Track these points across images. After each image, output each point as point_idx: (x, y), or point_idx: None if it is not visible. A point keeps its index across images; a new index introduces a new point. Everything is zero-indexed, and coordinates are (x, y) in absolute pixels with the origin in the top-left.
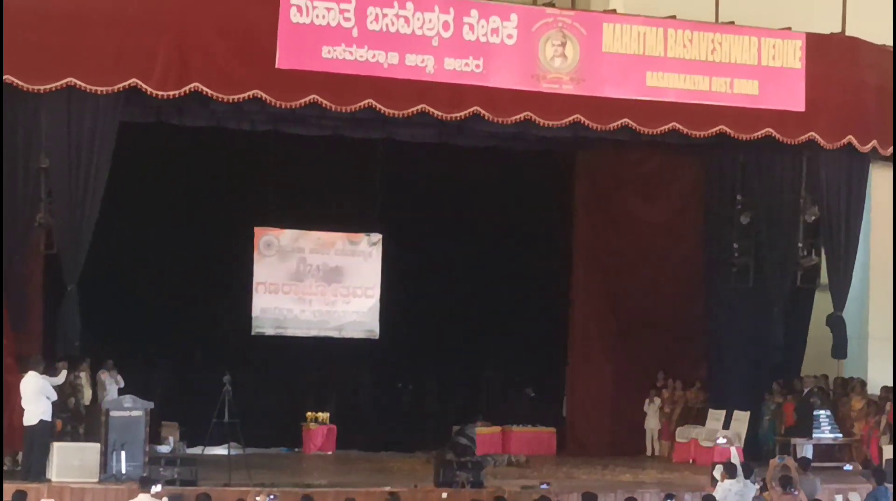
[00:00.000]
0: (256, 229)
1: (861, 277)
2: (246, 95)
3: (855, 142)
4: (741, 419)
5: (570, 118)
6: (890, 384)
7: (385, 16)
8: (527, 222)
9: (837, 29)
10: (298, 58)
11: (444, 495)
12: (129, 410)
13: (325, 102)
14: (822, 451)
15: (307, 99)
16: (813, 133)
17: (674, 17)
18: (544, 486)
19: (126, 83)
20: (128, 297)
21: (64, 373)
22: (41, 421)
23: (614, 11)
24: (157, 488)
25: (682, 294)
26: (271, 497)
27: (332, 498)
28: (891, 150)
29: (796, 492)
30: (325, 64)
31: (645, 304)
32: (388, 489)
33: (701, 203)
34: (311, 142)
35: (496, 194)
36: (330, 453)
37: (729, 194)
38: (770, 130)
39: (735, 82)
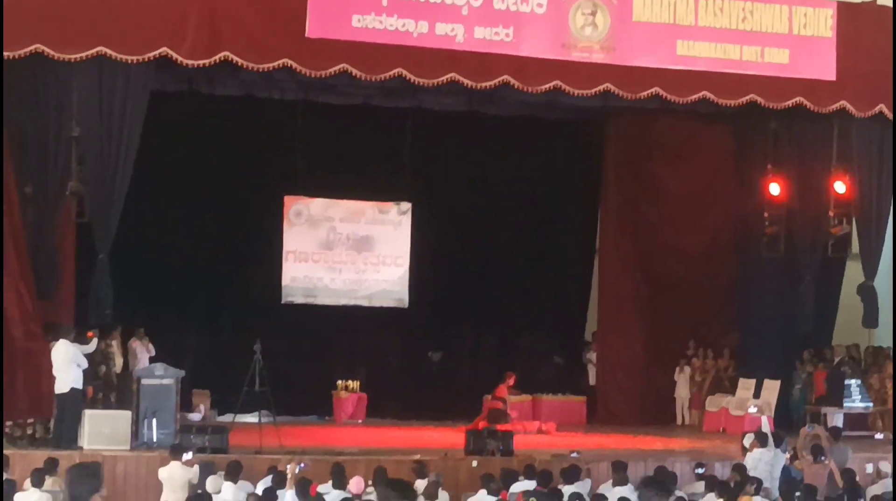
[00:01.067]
0: (286, 198)
1: (892, 246)
2: (276, 63)
3: (885, 110)
4: (772, 388)
5: (600, 87)
6: None
7: None
8: (556, 191)
9: None
10: (328, 26)
11: (475, 463)
12: (161, 378)
13: (354, 70)
14: (853, 420)
15: (337, 68)
16: (844, 102)
17: None
18: (574, 454)
19: (156, 52)
20: (159, 266)
21: (95, 341)
22: (72, 389)
23: None
24: (188, 455)
25: (712, 263)
26: (302, 464)
27: (362, 466)
28: None
29: (827, 461)
30: (354, 33)
31: (675, 272)
32: (417, 457)
33: (732, 172)
34: (341, 111)
35: (525, 163)
36: (360, 421)
37: (760, 162)
38: (801, 98)
39: (766, 51)
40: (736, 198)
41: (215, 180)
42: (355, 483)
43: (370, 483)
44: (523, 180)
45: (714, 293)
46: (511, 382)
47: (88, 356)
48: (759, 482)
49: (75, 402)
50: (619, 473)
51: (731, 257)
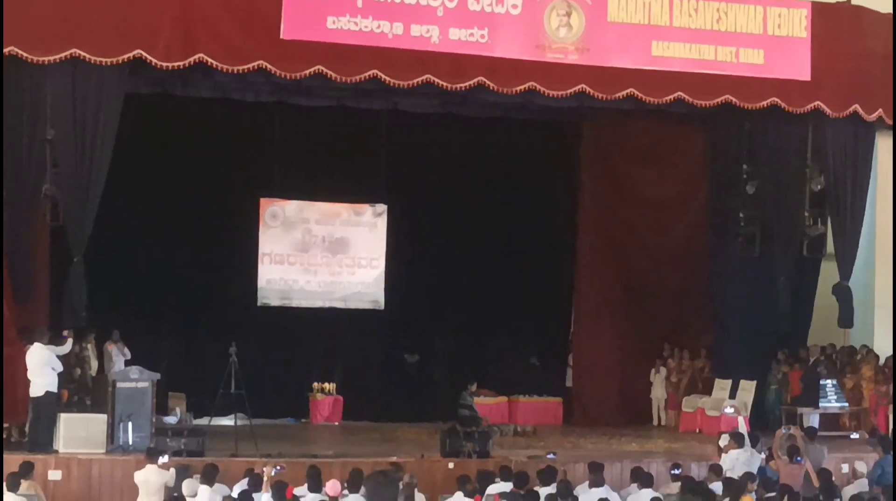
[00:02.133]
0: (262, 200)
1: (867, 246)
2: (251, 65)
3: (861, 111)
4: (747, 388)
5: (575, 88)
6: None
7: None
8: (532, 193)
9: None
10: (303, 28)
11: (451, 465)
12: (136, 381)
13: (329, 72)
14: (829, 420)
15: (312, 70)
16: (818, 102)
17: None
18: (551, 456)
19: (130, 54)
20: (134, 269)
21: (69, 342)
22: (47, 392)
23: None
24: (164, 458)
25: (688, 264)
26: (278, 467)
27: (338, 468)
28: None
29: (803, 461)
30: (329, 34)
31: (651, 273)
32: (393, 459)
33: (707, 172)
34: (316, 113)
35: (501, 165)
36: (336, 423)
37: (735, 163)
38: (776, 99)
39: (740, 51)
40: (711, 199)
41: (190, 183)
42: (331, 486)
43: (346, 485)
44: (499, 182)
45: (690, 294)
46: (473, 388)
47: (63, 360)
48: (735, 482)
49: (50, 405)
50: (596, 474)
51: (707, 258)
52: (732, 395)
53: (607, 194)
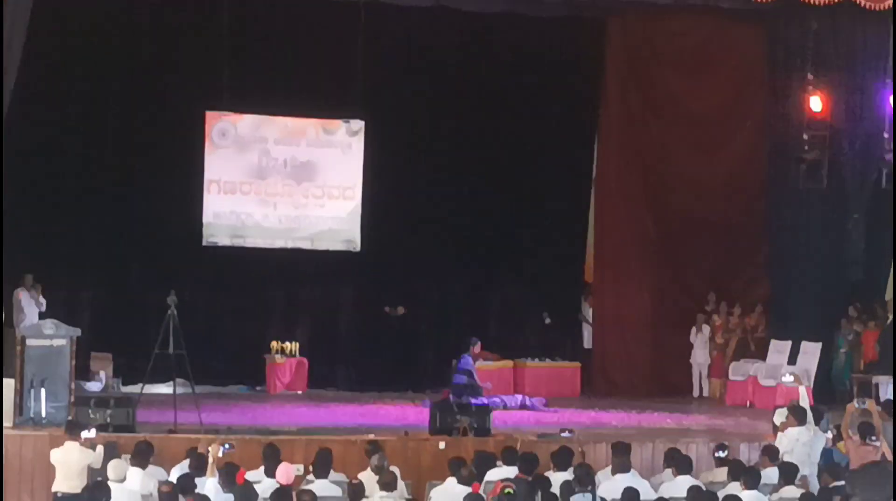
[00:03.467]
0: (208, 114)
1: None
2: None
3: None
4: (811, 352)
5: None
6: None
7: None
8: (543, 107)
9: None
10: None
11: (442, 445)
12: (51, 338)
13: None
14: None
15: None
16: None
17: None
18: (566, 434)
19: None
20: (50, 200)
21: None
22: None
23: None
24: (88, 434)
25: (738, 196)
26: (226, 445)
27: (301, 448)
28: None
29: (878, 442)
30: None
31: (692, 208)
32: (371, 437)
33: (762, 83)
34: (277, 4)
35: (505, 72)
36: (300, 392)
37: (798, 71)
38: None
39: None
40: (768, 116)
41: (118, 92)
42: (283, 472)
43: (311, 469)
44: (503, 94)
45: (740, 235)
46: (477, 349)
47: None
48: (794, 468)
49: None
50: (621, 457)
51: (762, 190)
52: (792, 361)
53: (638, 109)
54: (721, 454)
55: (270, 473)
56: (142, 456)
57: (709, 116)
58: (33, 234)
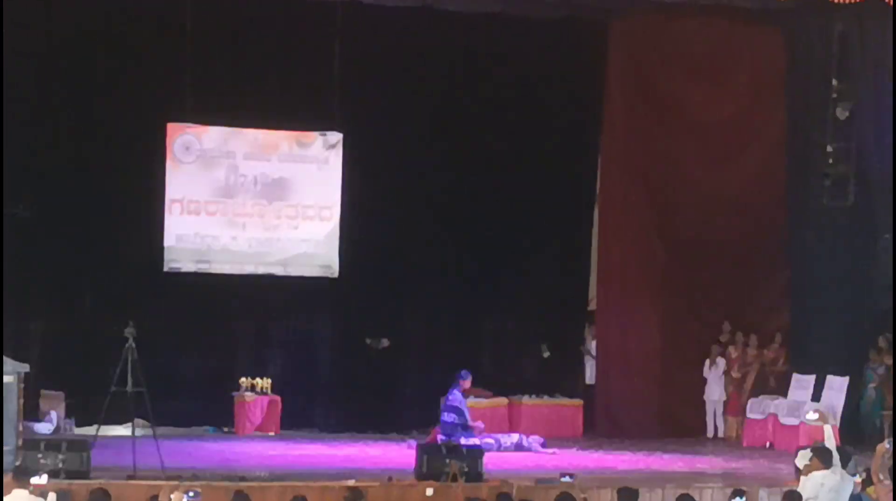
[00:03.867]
0: (169, 126)
1: None
2: None
3: None
4: (837, 387)
5: None
6: None
7: None
8: (541, 117)
9: None
10: None
11: (430, 491)
12: None
13: None
14: None
15: None
16: None
17: None
18: (566, 479)
19: None
20: None
21: None
22: None
23: None
24: (38, 480)
25: (755, 215)
26: (191, 493)
27: (274, 496)
28: None
29: None
30: None
31: (704, 228)
32: (351, 483)
33: (782, 91)
34: (246, 3)
35: (500, 79)
36: (272, 433)
37: (820, 77)
38: None
39: None
40: (788, 127)
41: (68, 102)
42: None
43: None
44: (496, 103)
45: (757, 257)
46: (468, 384)
47: None
48: None
49: None
50: None
51: (781, 208)
52: (816, 397)
53: (644, 120)
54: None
55: None
56: None
57: (722, 127)
58: None
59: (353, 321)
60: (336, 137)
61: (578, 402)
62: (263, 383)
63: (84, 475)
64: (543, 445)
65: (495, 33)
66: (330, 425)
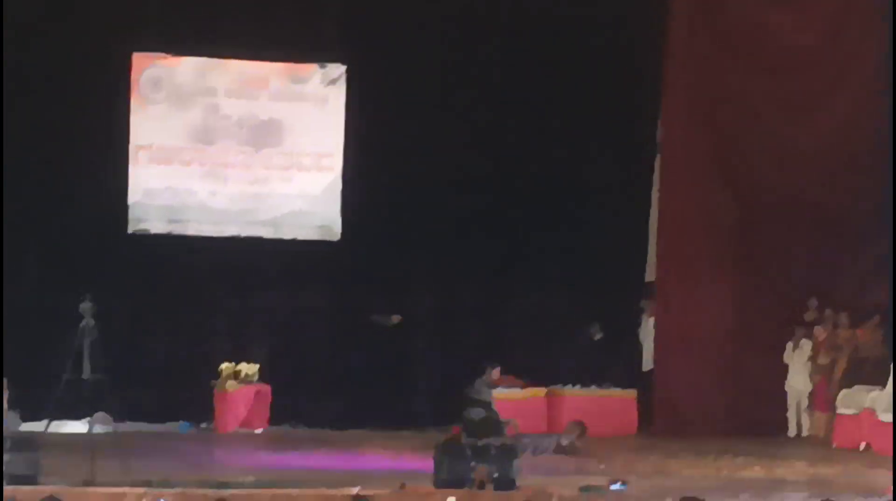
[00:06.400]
0: (135, 56)
1: None
2: None
3: None
4: None
5: None
6: None
7: None
8: (588, 47)
9: None
10: None
11: (451, 500)
12: None
13: None
14: None
15: None
16: None
17: None
18: (617, 486)
19: None
20: None
21: None
22: None
23: None
24: None
25: (845, 170)
26: None
27: None
28: None
29: None
30: None
31: (785, 185)
32: (356, 490)
33: (879, 12)
34: None
35: (534, 2)
36: (259, 431)
37: None
38: None
39: None
40: (887, 59)
41: (16, 30)
42: None
43: None
44: (531, 31)
45: (848, 221)
46: (496, 375)
47: None
48: None
49: None
50: None
51: (878, 161)
52: None
53: (713, 52)
54: None
55: None
56: None
57: (806, 62)
58: None
59: (357, 294)
60: (338, 70)
61: (632, 393)
62: (249, 369)
63: (32, 480)
64: (589, 445)
65: None
66: (328, 420)
